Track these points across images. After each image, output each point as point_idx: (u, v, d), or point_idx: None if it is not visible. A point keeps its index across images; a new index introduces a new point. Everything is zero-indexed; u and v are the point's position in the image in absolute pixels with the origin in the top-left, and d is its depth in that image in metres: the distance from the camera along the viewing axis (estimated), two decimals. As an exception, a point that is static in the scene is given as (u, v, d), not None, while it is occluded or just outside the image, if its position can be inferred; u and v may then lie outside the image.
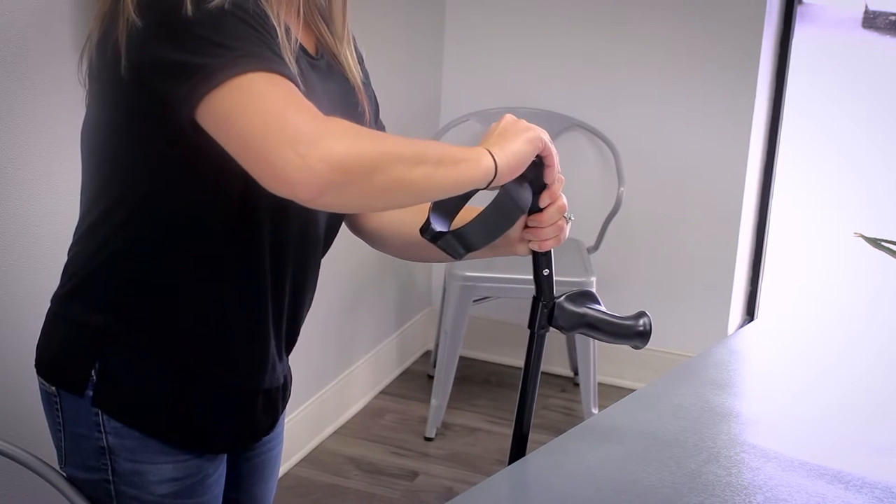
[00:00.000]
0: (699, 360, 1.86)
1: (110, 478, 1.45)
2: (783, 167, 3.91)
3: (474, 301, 3.29)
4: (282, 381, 1.56)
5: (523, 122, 1.38)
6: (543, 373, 3.75)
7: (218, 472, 1.53)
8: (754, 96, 3.43)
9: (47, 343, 1.49)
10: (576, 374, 3.68)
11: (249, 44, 1.22)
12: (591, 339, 3.22)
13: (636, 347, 1.54)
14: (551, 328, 1.52)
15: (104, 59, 1.31)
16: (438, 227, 1.39)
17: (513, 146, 1.34)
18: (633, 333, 1.52)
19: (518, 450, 1.55)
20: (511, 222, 1.41)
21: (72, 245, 1.48)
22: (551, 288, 1.52)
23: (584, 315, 1.52)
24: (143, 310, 1.41)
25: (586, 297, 1.53)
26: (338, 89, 1.46)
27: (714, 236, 3.58)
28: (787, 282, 4.90)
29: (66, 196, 2.02)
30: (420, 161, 1.25)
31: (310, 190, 1.17)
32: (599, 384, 3.41)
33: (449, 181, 1.28)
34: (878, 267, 2.59)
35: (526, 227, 1.47)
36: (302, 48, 1.40)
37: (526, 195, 1.41)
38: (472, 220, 1.38)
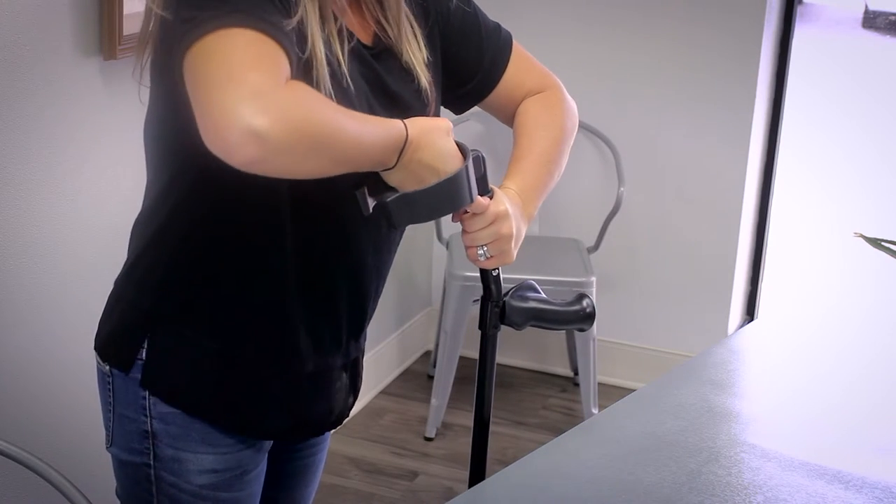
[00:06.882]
0: (699, 360, 1.86)
1: (151, 462, 1.47)
2: (783, 167, 3.91)
3: (474, 301, 3.28)
4: (335, 364, 1.54)
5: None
6: (544, 372, 3.80)
7: (258, 468, 1.53)
8: (754, 96, 3.43)
9: (105, 322, 1.52)
10: (576, 374, 3.68)
11: (248, 3, 1.21)
12: (591, 339, 3.23)
13: (581, 330, 1.55)
14: (504, 326, 1.54)
15: (153, 65, 1.38)
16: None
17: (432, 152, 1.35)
18: (581, 317, 1.53)
19: (480, 438, 1.58)
20: (451, 209, 1.40)
21: (131, 232, 1.51)
22: (500, 288, 1.53)
23: (532, 309, 1.53)
24: (186, 290, 1.44)
25: (528, 289, 1.55)
26: (398, 81, 1.47)
27: (714, 236, 3.57)
28: (787, 282, 4.89)
29: (67, 195, 2.02)
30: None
31: (247, 150, 1.15)
32: (599, 384, 3.40)
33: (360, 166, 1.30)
34: (878, 267, 2.58)
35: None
36: (357, 40, 1.41)
37: (468, 191, 1.39)
38: (414, 191, 1.35)
